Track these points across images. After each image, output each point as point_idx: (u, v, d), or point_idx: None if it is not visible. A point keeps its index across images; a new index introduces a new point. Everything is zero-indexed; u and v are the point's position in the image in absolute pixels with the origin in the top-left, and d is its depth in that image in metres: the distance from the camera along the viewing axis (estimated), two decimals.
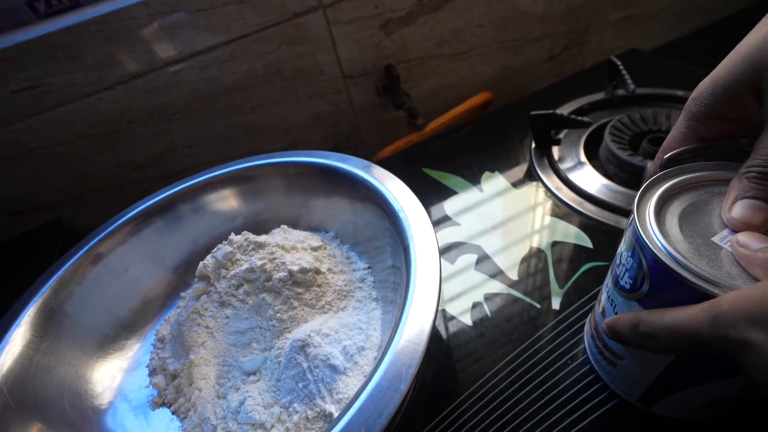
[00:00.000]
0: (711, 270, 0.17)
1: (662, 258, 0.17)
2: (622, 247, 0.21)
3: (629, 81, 0.45)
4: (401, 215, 0.27)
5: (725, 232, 0.18)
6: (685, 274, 0.17)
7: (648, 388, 0.23)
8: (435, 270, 0.23)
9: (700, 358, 0.20)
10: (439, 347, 0.32)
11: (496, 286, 0.35)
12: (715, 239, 0.18)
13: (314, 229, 0.38)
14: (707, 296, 0.16)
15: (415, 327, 0.20)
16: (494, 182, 0.44)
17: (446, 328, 0.33)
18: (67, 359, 0.29)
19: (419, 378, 0.29)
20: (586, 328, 0.29)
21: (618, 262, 0.22)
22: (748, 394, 0.23)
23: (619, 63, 0.46)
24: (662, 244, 0.18)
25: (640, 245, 0.19)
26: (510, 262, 0.36)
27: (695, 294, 0.17)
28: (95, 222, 0.44)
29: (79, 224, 0.51)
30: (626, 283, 0.21)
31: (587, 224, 0.37)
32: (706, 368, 0.20)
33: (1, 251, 0.47)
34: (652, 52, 0.57)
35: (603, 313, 0.24)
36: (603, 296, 0.24)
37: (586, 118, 0.42)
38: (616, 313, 0.22)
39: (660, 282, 0.18)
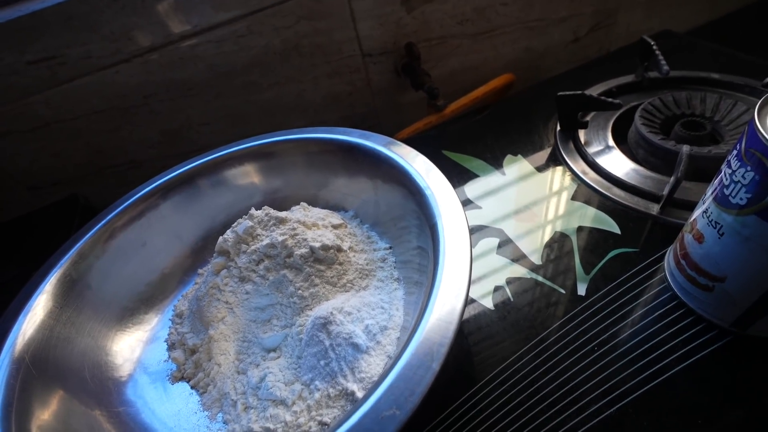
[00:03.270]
0: None
1: None
2: (734, 166, 0.22)
3: (663, 62, 0.43)
4: (427, 193, 0.26)
5: None
6: None
7: (752, 305, 0.24)
8: (465, 248, 0.22)
9: None
10: (459, 330, 0.31)
11: (519, 270, 0.34)
12: None
13: (332, 208, 0.37)
14: None
15: (446, 305, 0.20)
16: (517, 166, 0.43)
17: (467, 311, 0.32)
18: (87, 330, 0.28)
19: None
20: (668, 264, 0.30)
21: (726, 182, 0.23)
22: None
23: (652, 43, 0.44)
24: None
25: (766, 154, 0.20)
26: (533, 247, 0.35)
27: None
28: (111, 199, 0.44)
29: (96, 201, 0.51)
30: (741, 199, 0.22)
31: (615, 209, 0.36)
32: None
33: (19, 226, 0.47)
34: (685, 34, 0.55)
35: (699, 239, 0.25)
36: (699, 224, 0.25)
37: (616, 100, 0.41)
38: (721, 235, 0.23)
39: None
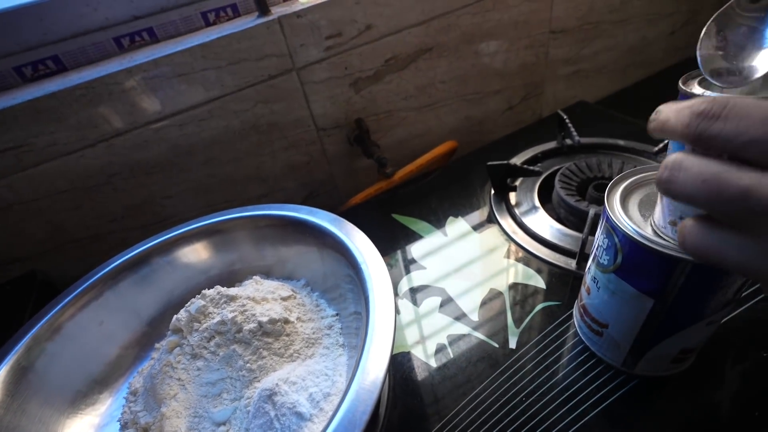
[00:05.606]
0: (663, 242, 0.23)
1: (631, 234, 0.23)
2: (600, 232, 0.27)
3: (574, 132, 0.50)
4: (363, 267, 0.30)
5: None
6: (648, 243, 0.22)
7: (630, 347, 0.28)
8: (390, 321, 0.25)
9: (671, 305, 0.24)
10: (406, 390, 0.33)
11: (459, 328, 0.37)
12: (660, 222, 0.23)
13: (287, 277, 0.39)
14: (667, 258, 0.22)
15: (370, 375, 0.22)
16: (457, 226, 0.47)
17: (413, 371, 0.35)
18: (38, 417, 0.29)
19: (386, 420, 0.31)
20: (575, 312, 0.34)
21: (597, 245, 0.28)
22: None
23: (565, 116, 0.51)
24: (628, 224, 0.24)
25: (612, 228, 0.25)
26: (472, 305, 0.39)
27: (657, 258, 0.22)
28: (70, 272, 0.44)
29: (54, 275, 0.51)
30: (605, 260, 0.26)
31: (540, 266, 0.40)
32: (675, 317, 0.25)
33: None
34: (596, 104, 0.63)
35: (588, 291, 0.30)
36: (587, 278, 0.30)
37: (537, 167, 0.46)
38: (599, 288, 0.28)
39: (630, 253, 0.24)
